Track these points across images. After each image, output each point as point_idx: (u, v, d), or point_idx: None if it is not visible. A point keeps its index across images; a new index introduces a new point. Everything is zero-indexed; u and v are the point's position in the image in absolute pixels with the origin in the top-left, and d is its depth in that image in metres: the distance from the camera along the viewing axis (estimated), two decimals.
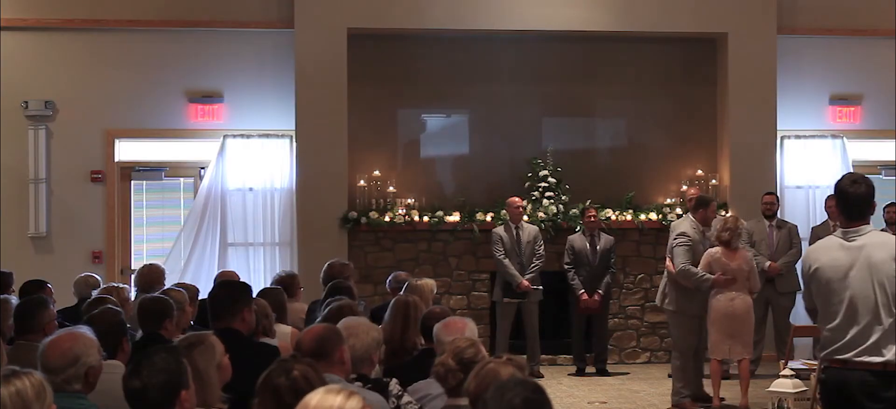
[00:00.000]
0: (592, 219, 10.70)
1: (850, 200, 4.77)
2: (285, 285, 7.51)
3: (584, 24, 11.35)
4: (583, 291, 10.61)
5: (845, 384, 4.67)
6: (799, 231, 10.87)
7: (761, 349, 10.63)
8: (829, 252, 4.78)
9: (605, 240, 10.76)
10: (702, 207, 9.05)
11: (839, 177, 4.93)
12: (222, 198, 11.17)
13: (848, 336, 4.65)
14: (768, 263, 10.54)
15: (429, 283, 7.30)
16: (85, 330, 4.31)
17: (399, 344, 5.73)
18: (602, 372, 10.76)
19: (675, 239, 8.90)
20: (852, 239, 4.72)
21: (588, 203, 11.13)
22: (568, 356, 11.14)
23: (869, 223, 4.78)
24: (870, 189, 4.79)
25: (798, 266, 10.87)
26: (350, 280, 7.59)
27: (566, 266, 10.72)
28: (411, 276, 8.00)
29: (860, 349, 4.63)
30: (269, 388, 3.57)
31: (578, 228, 10.97)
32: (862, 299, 4.63)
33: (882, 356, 4.59)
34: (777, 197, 11.05)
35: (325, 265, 8.12)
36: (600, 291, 10.66)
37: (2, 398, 3.16)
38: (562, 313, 11.17)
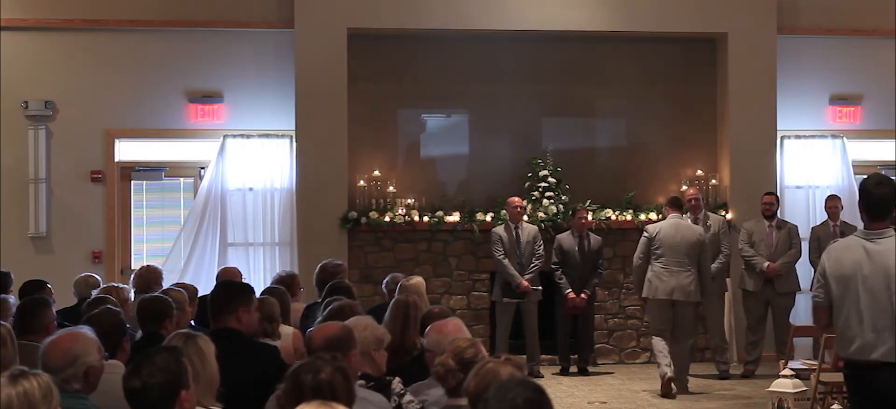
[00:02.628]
0: (583, 220, 10.69)
1: (874, 200, 4.85)
2: (286, 285, 7.47)
3: (584, 24, 11.35)
4: (570, 290, 10.60)
5: (868, 381, 4.75)
6: (799, 231, 10.86)
7: (761, 350, 10.62)
8: (849, 252, 4.84)
9: (593, 240, 10.76)
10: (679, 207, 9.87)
11: (866, 177, 5.02)
12: (222, 198, 11.16)
13: (863, 339, 4.72)
14: (766, 263, 10.52)
15: (420, 281, 7.32)
16: (86, 330, 4.31)
17: (399, 344, 5.73)
18: (583, 372, 10.72)
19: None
20: (875, 241, 4.79)
21: (588, 203, 11.14)
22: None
23: (889, 225, 4.85)
24: (893, 190, 4.87)
25: (798, 266, 10.89)
26: (346, 280, 7.57)
27: (553, 266, 10.71)
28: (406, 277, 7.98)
29: (878, 351, 4.69)
30: (294, 381, 3.54)
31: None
32: (877, 303, 4.70)
33: None
34: (777, 197, 11.03)
35: (318, 267, 8.06)
36: (587, 291, 10.66)
37: (9, 398, 3.16)
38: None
